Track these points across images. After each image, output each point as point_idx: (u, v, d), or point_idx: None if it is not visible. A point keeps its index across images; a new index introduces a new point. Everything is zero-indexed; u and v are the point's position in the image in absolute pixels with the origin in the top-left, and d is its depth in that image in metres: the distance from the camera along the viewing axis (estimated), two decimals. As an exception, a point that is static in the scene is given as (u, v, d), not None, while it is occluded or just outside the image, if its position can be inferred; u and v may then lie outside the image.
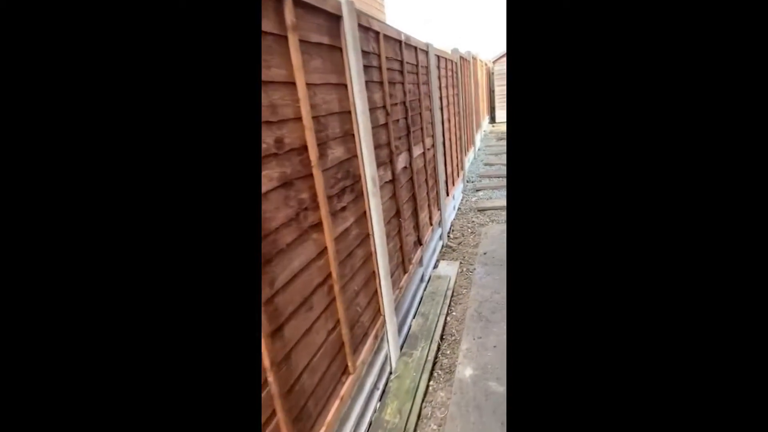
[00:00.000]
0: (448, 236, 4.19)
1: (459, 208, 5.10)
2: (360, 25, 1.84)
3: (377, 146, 2.10)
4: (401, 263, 2.51)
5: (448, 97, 4.57)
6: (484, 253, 3.71)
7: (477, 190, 5.84)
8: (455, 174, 5.10)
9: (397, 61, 2.51)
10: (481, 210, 4.94)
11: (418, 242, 2.99)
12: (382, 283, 2.03)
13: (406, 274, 2.56)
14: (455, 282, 3.19)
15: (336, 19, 1.62)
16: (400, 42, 2.55)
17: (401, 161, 2.57)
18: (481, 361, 2.27)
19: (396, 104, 2.46)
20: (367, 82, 1.95)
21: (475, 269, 3.40)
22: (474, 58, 8.12)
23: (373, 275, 1.99)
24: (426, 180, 3.32)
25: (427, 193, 3.37)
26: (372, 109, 2.02)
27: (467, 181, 6.29)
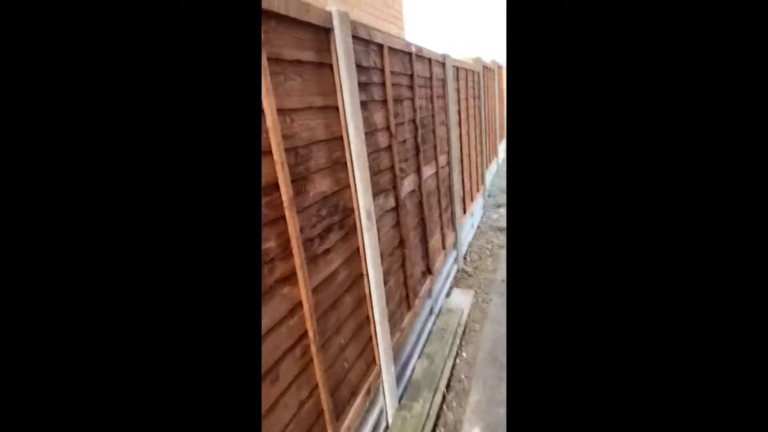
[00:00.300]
0: (465, 259, 3.89)
1: (478, 227, 4.79)
2: (357, 38, 1.62)
3: (377, 172, 1.86)
4: (405, 299, 2.25)
5: (468, 109, 4.29)
6: (502, 281, 3.39)
7: (498, 206, 5.50)
8: (474, 189, 4.79)
9: (405, 76, 2.27)
10: (502, 230, 4.61)
11: (428, 271, 2.72)
12: (378, 329, 1.78)
13: (410, 312, 2.30)
14: (468, 315, 2.89)
15: (324, 32, 1.40)
16: (410, 54, 2.31)
17: (408, 185, 2.32)
18: (491, 419, 1.98)
19: (402, 123, 2.21)
20: (365, 102, 1.72)
21: (491, 300, 3.10)
22: (499, 67, 7.79)
23: (367, 321, 1.74)
24: (439, 201, 3.06)
25: (440, 215, 3.10)
26: (371, 132, 1.79)
27: (488, 196, 5.96)
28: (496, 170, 7.45)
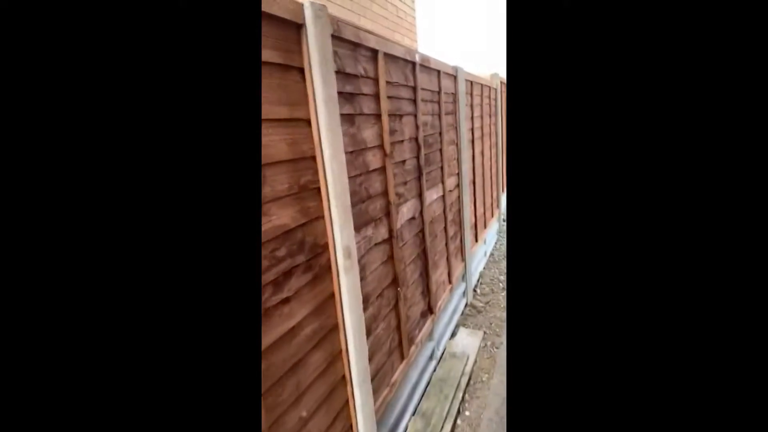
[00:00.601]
0: (475, 291, 3.52)
1: (491, 254, 4.41)
2: (342, 40, 1.35)
3: (364, 199, 1.56)
4: (397, 347, 1.91)
5: (483, 127, 3.98)
6: (516, 321, 3.00)
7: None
8: (488, 214, 4.44)
9: (407, 88, 1.99)
10: (517, 259, 4.22)
11: (429, 311, 2.37)
12: (357, 392, 1.44)
13: (404, 362, 1.95)
14: (475, 362, 2.51)
15: (295, 28, 1.13)
16: (413, 64, 2.03)
17: (406, 212, 2.01)
18: None
19: (401, 142, 1.92)
20: (351, 116, 1.44)
21: (501, 343, 2.71)
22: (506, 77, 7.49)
23: (342, 382, 1.41)
24: (445, 228, 2.73)
25: (446, 244, 2.76)
26: (358, 151, 1.49)
27: (504, 220, 5.57)
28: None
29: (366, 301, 1.56)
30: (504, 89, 5.40)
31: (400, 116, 1.91)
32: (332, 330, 1.35)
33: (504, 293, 3.49)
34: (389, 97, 1.77)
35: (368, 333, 1.58)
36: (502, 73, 5.04)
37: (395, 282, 1.86)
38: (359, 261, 1.51)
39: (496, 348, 2.66)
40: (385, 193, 1.75)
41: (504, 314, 3.11)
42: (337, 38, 1.32)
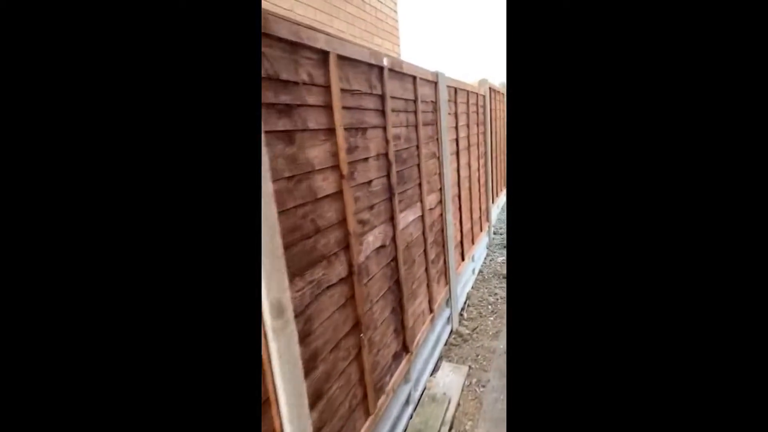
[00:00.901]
0: (461, 315, 3.23)
1: (480, 272, 4.13)
2: (270, 37, 1.06)
3: (310, 234, 1.27)
4: (361, 402, 1.61)
5: (469, 137, 3.71)
6: (506, 353, 2.71)
7: (506, 247, 4.83)
8: (477, 228, 4.16)
9: (372, 97, 1.71)
10: (508, 277, 3.94)
11: (404, 350, 2.08)
12: (297, 480, 1.14)
13: (370, 418, 1.65)
14: (458, 405, 2.22)
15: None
16: (379, 68, 1.75)
17: (373, 241, 1.73)
18: None
19: (365, 159, 1.63)
20: (286, 132, 1.15)
21: (488, 381, 2.42)
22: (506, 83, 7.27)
23: (276, 471, 1.11)
24: (425, 252, 2.44)
25: (427, 269, 2.48)
26: (299, 176, 1.20)
27: (494, 233, 5.31)
28: (504, 203, 6.81)
29: (313, 360, 1.27)
30: (494, 96, 5.16)
31: (363, 129, 1.63)
32: (264, 405, 1.05)
33: (493, 317, 3.20)
34: (347, 108, 1.49)
35: (317, 398, 1.28)
36: (492, 80, 4.80)
37: (357, 327, 1.57)
38: (303, 312, 1.21)
39: (482, 387, 2.37)
40: (342, 222, 1.46)
41: (492, 343, 2.82)
42: (266, 36, 1.04)
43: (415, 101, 2.24)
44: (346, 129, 1.47)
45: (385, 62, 1.78)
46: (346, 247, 1.49)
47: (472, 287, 3.76)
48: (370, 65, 1.67)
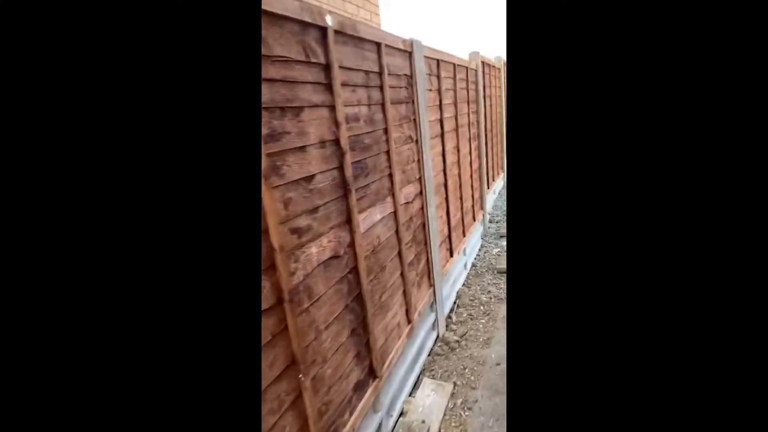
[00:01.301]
0: (449, 318, 2.90)
1: (473, 266, 3.77)
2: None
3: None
4: (304, 459, 1.27)
5: (457, 116, 3.30)
6: (497, 364, 2.37)
7: (502, 237, 4.46)
8: (469, 218, 3.79)
9: (310, 66, 1.31)
10: (503, 272, 3.57)
11: (371, 375, 1.74)
12: None
13: (317, 476, 1.32)
14: (438, 435, 1.89)
15: None
16: (321, 30, 1.35)
17: (319, 252, 1.36)
18: None
19: (301, 148, 1.25)
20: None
21: (476, 401, 2.09)
22: (506, 65, 6.77)
23: None
24: (400, 254, 2.08)
25: (402, 273, 2.12)
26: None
27: (490, 222, 4.93)
28: (503, 186, 6.40)
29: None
30: (488, 71, 4.69)
31: (296, 109, 1.24)
32: None
33: (485, 319, 2.86)
34: (268, 80, 1.10)
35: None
36: (491, 54, 4.33)
37: (293, 367, 1.22)
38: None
39: (469, 409, 2.04)
40: (264, 234, 1.10)
41: (483, 352, 2.48)
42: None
43: (380, 74, 1.83)
44: (266, 108, 1.09)
45: (330, 21, 1.38)
46: (271, 267, 1.12)
47: (464, 284, 3.41)
48: (305, 24, 1.27)
